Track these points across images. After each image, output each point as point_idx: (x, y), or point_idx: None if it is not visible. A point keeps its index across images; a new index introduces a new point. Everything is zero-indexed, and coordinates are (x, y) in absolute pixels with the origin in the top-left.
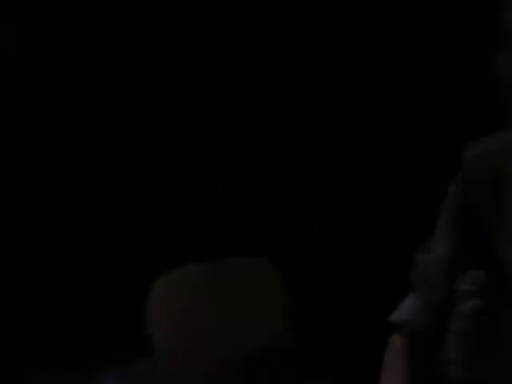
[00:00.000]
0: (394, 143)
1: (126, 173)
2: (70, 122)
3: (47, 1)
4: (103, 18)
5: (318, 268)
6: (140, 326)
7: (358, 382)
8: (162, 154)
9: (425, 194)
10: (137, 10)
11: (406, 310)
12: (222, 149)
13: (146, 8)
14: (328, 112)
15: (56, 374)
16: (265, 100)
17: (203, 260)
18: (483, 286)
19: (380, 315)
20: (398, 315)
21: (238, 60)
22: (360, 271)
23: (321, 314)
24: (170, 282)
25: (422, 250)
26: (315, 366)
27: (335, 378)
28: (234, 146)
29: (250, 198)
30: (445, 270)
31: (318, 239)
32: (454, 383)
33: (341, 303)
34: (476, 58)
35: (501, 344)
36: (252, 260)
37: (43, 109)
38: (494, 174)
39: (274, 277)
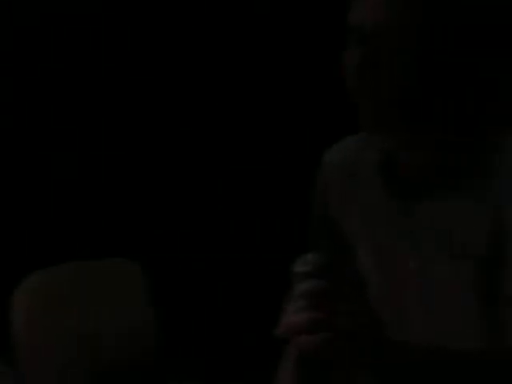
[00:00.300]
0: (266, 146)
1: None
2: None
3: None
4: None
5: (186, 268)
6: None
7: (229, 382)
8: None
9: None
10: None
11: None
12: (90, 145)
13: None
14: (195, 112)
15: None
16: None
17: (65, 261)
18: (318, 268)
19: (249, 317)
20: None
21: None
22: (230, 271)
23: (188, 313)
24: (31, 282)
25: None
26: (182, 366)
27: (205, 379)
28: (98, 143)
29: (114, 199)
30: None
31: (187, 239)
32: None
33: (209, 303)
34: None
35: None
36: (115, 261)
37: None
38: (349, 176)
39: (139, 277)
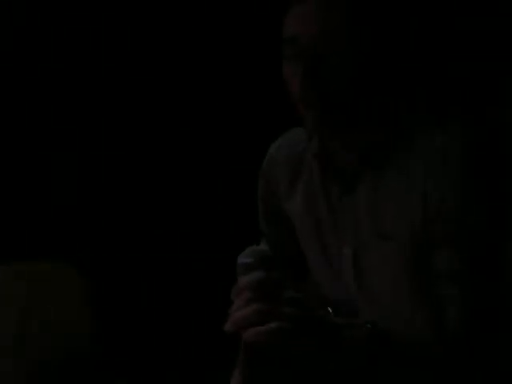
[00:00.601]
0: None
1: None
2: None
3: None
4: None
5: (124, 269)
6: None
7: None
8: None
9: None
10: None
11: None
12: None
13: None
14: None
15: None
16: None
17: (4, 262)
18: (260, 259)
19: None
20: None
21: None
22: (169, 272)
23: (126, 314)
24: None
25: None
26: (122, 366)
27: (142, 379)
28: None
29: (47, 202)
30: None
31: (124, 241)
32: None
33: (148, 305)
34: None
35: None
36: (55, 262)
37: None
38: (294, 166)
39: (78, 279)
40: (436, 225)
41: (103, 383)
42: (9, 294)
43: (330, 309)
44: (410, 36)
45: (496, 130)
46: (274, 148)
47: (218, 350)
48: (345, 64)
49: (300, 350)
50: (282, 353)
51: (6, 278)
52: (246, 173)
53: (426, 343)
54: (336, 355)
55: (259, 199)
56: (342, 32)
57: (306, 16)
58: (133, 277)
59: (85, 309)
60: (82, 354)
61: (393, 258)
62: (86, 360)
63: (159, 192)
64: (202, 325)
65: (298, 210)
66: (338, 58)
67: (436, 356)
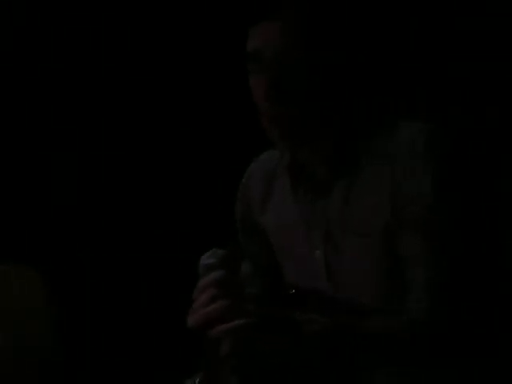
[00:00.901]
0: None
1: None
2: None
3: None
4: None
5: (85, 273)
6: None
7: None
8: None
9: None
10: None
11: None
12: None
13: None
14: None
15: None
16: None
17: None
18: (222, 260)
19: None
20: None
21: None
22: (133, 276)
23: (89, 318)
24: None
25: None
26: (85, 371)
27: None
28: None
29: (12, 205)
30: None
31: (85, 246)
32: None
33: (110, 304)
34: None
35: None
36: (15, 266)
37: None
38: (269, 181)
39: (39, 280)
40: (403, 212)
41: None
42: None
43: (293, 290)
44: (371, 48)
45: (460, 127)
46: (251, 167)
47: (186, 351)
48: (305, 76)
49: (264, 345)
50: (247, 349)
51: None
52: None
53: (392, 332)
54: (298, 350)
55: (236, 214)
56: (302, 46)
57: (269, 31)
58: (97, 277)
59: (47, 310)
60: (44, 355)
61: (368, 255)
62: (48, 361)
63: (123, 191)
64: (163, 324)
65: (271, 221)
66: (299, 70)
67: (401, 344)
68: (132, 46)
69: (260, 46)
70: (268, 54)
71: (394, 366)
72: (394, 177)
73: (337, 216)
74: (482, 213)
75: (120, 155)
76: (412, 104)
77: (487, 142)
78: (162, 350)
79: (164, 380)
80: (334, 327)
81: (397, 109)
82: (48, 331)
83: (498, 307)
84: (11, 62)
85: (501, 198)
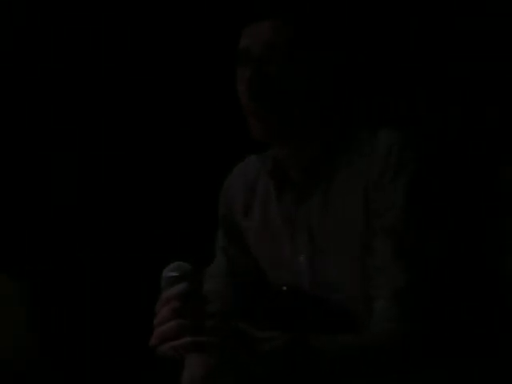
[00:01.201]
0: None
1: None
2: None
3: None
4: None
5: (62, 279)
6: None
7: None
8: None
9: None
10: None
11: None
12: None
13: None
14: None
15: None
16: None
17: None
18: (185, 274)
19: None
20: None
21: None
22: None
23: (66, 325)
24: None
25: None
26: (62, 378)
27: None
28: None
29: None
30: (224, 273)
31: (59, 252)
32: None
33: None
34: None
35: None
36: None
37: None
38: (251, 187)
39: (16, 291)
40: (375, 222)
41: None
42: None
43: (284, 288)
44: (368, 48)
45: (434, 134)
46: (229, 178)
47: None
48: (291, 74)
49: (223, 361)
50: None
51: None
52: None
53: (353, 339)
54: (257, 365)
55: (219, 218)
56: (290, 45)
57: (258, 30)
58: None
59: (20, 312)
60: (18, 356)
61: (349, 259)
62: (22, 361)
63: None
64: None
65: (254, 226)
66: (285, 68)
67: (363, 351)
68: (132, 46)
69: (249, 43)
70: (255, 50)
71: (364, 378)
72: (367, 188)
73: (318, 221)
74: (457, 222)
75: (120, 155)
76: (412, 104)
77: (487, 142)
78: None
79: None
80: (294, 344)
81: (386, 111)
82: (22, 331)
83: (477, 312)
84: (11, 62)
85: (479, 204)
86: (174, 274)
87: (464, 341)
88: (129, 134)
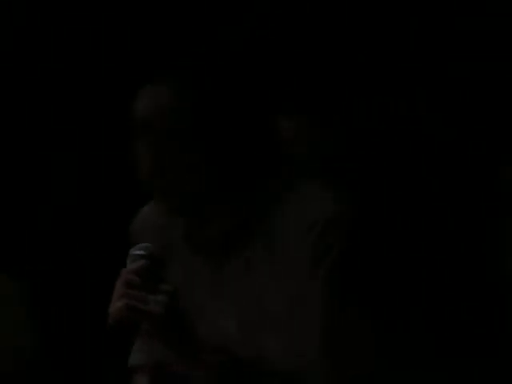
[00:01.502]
0: None
1: None
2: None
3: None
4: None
5: (62, 280)
6: None
7: None
8: None
9: None
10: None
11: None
12: None
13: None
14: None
15: None
16: None
17: None
18: (150, 254)
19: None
20: (132, 359)
21: None
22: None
23: (67, 325)
24: None
25: None
26: (62, 378)
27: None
28: None
29: None
30: None
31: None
32: None
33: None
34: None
35: None
36: None
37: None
38: (164, 237)
39: (16, 291)
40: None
41: None
42: None
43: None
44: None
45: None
46: (139, 217)
47: None
48: (191, 146)
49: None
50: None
51: None
52: None
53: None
54: None
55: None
56: (172, 112)
57: (144, 97)
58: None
59: (20, 312)
60: (18, 356)
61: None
62: (22, 361)
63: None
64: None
65: (175, 279)
66: (186, 140)
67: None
68: (132, 45)
69: (139, 109)
70: (158, 123)
71: None
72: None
73: (238, 284)
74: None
75: (120, 155)
76: (412, 104)
77: (487, 142)
78: None
79: None
80: (226, 367)
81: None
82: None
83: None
84: (11, 62)
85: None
86: (139, 252)
87: (464, 341)
88: (129, 133)
